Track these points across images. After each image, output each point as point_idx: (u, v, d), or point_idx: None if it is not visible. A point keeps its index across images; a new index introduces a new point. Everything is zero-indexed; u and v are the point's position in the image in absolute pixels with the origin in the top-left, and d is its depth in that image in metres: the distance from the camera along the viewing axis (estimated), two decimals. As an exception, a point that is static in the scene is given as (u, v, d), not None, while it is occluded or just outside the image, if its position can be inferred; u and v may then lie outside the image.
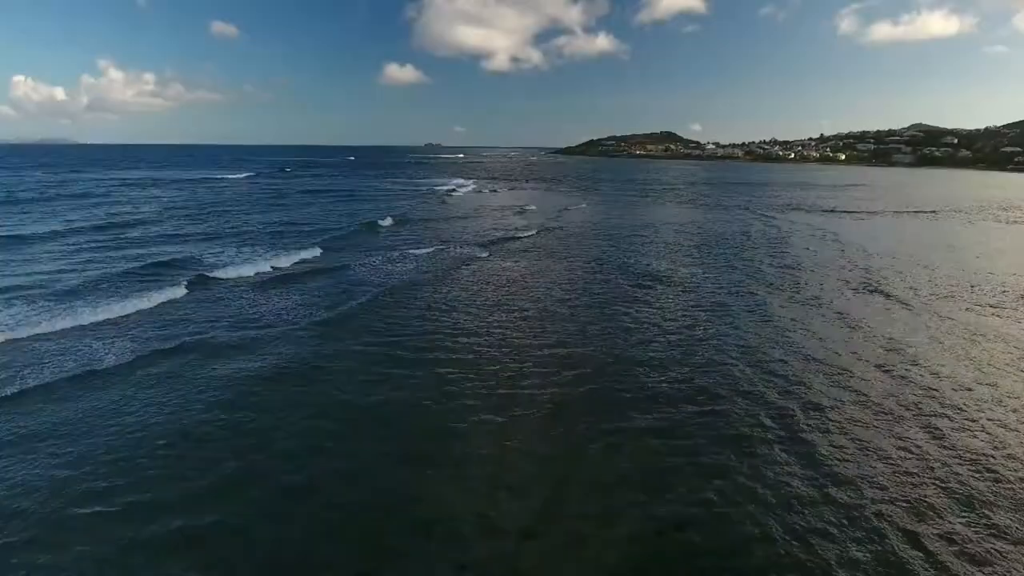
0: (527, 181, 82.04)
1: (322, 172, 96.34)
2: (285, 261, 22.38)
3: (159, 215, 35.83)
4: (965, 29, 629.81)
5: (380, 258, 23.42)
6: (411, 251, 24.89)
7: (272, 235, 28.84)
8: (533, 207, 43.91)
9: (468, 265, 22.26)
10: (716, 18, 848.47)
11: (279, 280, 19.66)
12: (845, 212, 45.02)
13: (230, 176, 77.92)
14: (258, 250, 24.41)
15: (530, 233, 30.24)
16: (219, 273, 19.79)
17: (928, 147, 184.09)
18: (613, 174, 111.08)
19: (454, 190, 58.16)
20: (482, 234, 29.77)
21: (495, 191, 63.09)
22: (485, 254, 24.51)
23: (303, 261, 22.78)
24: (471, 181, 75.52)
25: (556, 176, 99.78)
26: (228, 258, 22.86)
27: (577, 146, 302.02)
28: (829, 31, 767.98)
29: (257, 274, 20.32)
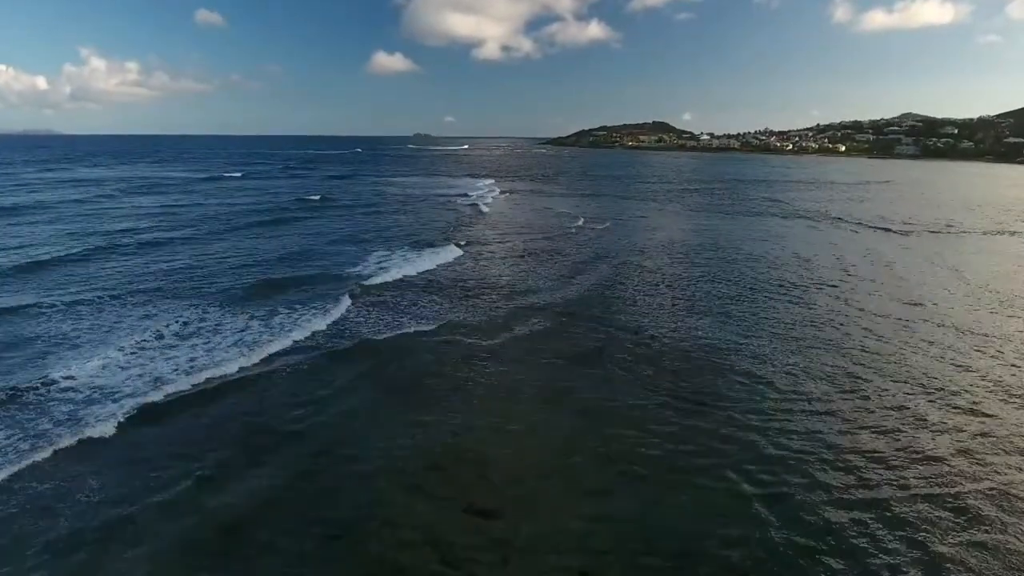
0: (543, 181, 76.83)
1: (325, 170, 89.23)
2: (251, 359, 13.46)
3: (80, 252, 24.59)
4: (959, 17, 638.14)
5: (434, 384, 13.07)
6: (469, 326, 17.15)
7: (250, 290, 19.42)
8: (579, 223, 38.90)
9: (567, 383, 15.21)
10: (710, 5, 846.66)
11: (219, 412, 11.39)
12: (933, 232, 40.05)
13: (218, 175, 70.32)
14: (201, 339, 14.81)
15: (607, 269, 25.09)
16: (97, 428, 10.38)
17: (929, 138, 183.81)
18: (616, 170, 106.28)
19: (483, 196, 53.24)
20: (556, 280, 23.52)
21: (521, 191, 59.39)
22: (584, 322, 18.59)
23: (291, 354, 14.10)
24: (492, 181, 70.35)
25: (563, 173, 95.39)
26: (131, 362, 13.16)
27: (568, 136, 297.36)
28: (823, 19, 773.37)
29: (177, 394, 11.77)
